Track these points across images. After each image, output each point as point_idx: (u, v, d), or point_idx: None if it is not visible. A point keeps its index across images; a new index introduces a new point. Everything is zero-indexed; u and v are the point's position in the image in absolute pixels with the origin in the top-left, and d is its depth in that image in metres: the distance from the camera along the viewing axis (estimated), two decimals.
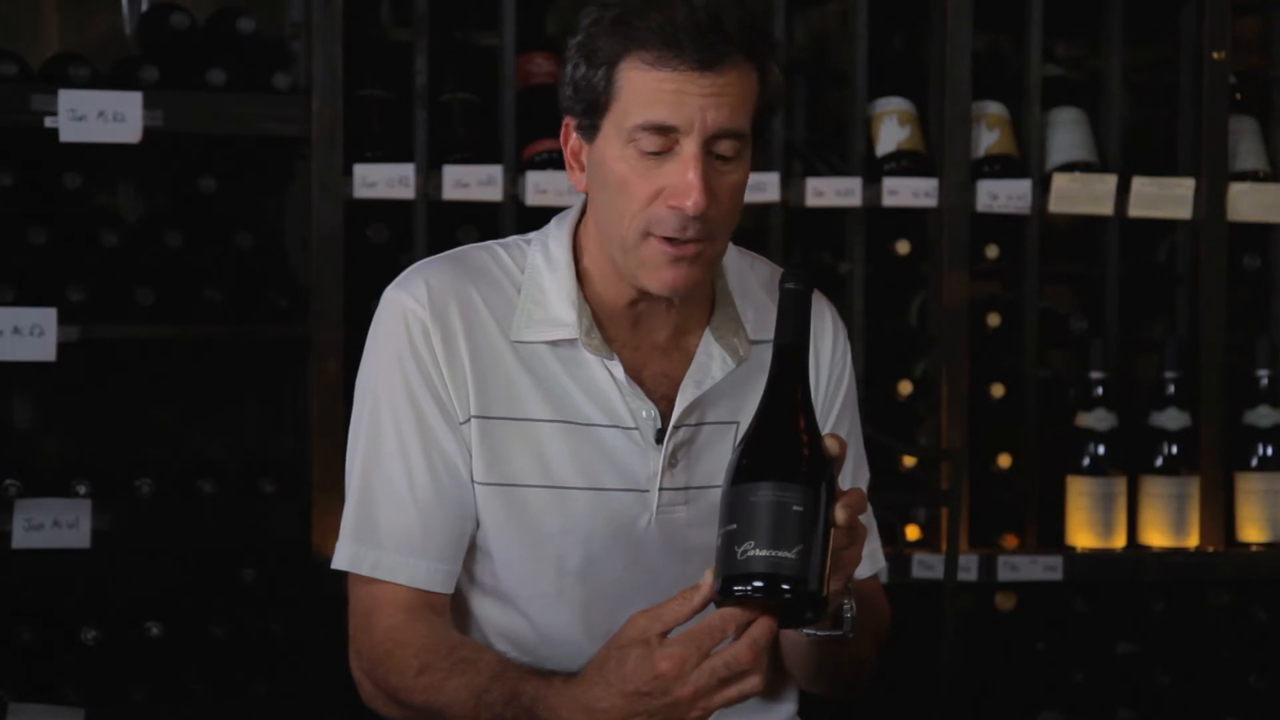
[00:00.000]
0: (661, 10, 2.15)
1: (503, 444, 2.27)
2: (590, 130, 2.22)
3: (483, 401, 2.27)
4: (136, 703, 3.68)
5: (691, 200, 2.15)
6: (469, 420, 2.27)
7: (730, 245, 2.35)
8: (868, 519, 2.41)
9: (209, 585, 3.82)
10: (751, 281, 2.37)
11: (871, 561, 2.42)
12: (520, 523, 2.28)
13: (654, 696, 2.01)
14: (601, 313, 2.30)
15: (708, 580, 2.01)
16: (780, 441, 2.01)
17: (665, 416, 2.29)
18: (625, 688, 2.02)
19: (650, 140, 2.16)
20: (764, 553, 1.95)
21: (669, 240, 2.18)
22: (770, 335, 2.28)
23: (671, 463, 2.30)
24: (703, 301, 2.33)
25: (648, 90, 2.15)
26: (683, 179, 2.16)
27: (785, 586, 1.95)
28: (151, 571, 3.86)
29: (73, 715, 3.36)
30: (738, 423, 2.32)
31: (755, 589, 1.96)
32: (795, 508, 1.96)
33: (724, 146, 2.17)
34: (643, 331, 2.31)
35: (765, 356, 2.29)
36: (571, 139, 2.27)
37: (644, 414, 2.28)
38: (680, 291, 2.22)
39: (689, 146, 2.16)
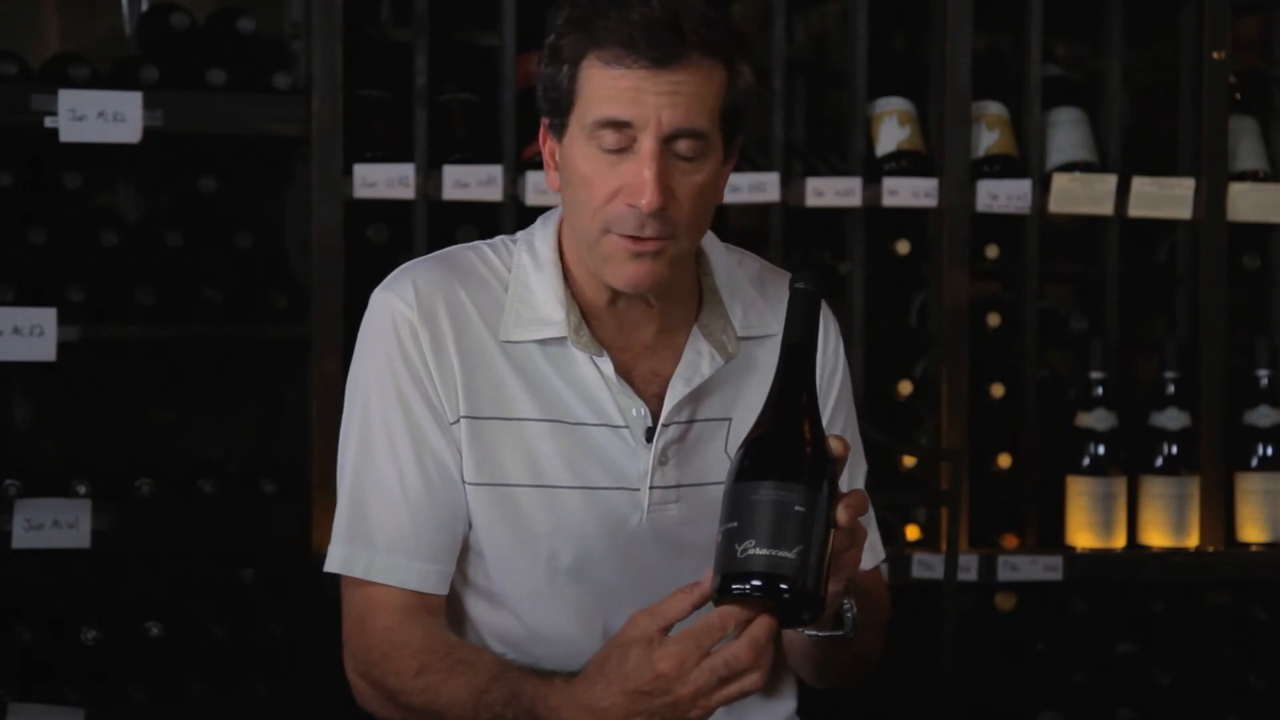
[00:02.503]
0: (620, 9, 2.16)
1: (493, 444, 2.27)
2: (559, 129, 2.23)
3: (472, 402, 2.27)
4: (136, 703, 3.68)
5: (646, 198, 2.15)
6: (459, 421, 2.27)
7: (718, 242, 2.36)
8: (866, 513, 2.41)
9: (209, 585, 3.82)
10: (740, 278, 2.37)
11: (873, 553, 2.42)
12: (511, 523, 2.28)
13: (654, 696, 2.01)
14: (588, 312, 2.30)
15: (709, 577, 2.01)
16: (784, 441, 2.01)
17: (655, 415, 2.29)
18: (626, 686, 2.02)
19: (609, 136, 2.17)
20: (764, 552, 1.95)
21: (628, 236, 2.19)
22: (759, 331, 2.31)
23: (662, 460, 2.30)
24: (690, 299, 2.33)
25: (605, 87, 2.16)
26: (638, 176, 2.16)
27: (784, 586, 1.95)
28: (151, 571, 3.86)
29: (73, 715, 3.36)
30: (729, 420, 2.32)
31: (754, 588, 1.96)
32: (797, 508, 1.96)
33: (683, 146, 2.18)
34: (629, 331, 2.31)
35: (755, 353, 2.31)
36: (548, 139, 2.28)
37: (634, 412, 2.29)
38: (643, 287, 2.22)
39: (645, 143, 2.16)
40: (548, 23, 4.15)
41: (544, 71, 2.23)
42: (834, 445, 2.03)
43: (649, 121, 2.16)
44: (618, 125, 2.16)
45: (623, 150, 2.17)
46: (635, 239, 2.18)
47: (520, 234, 2.38)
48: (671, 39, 2.15)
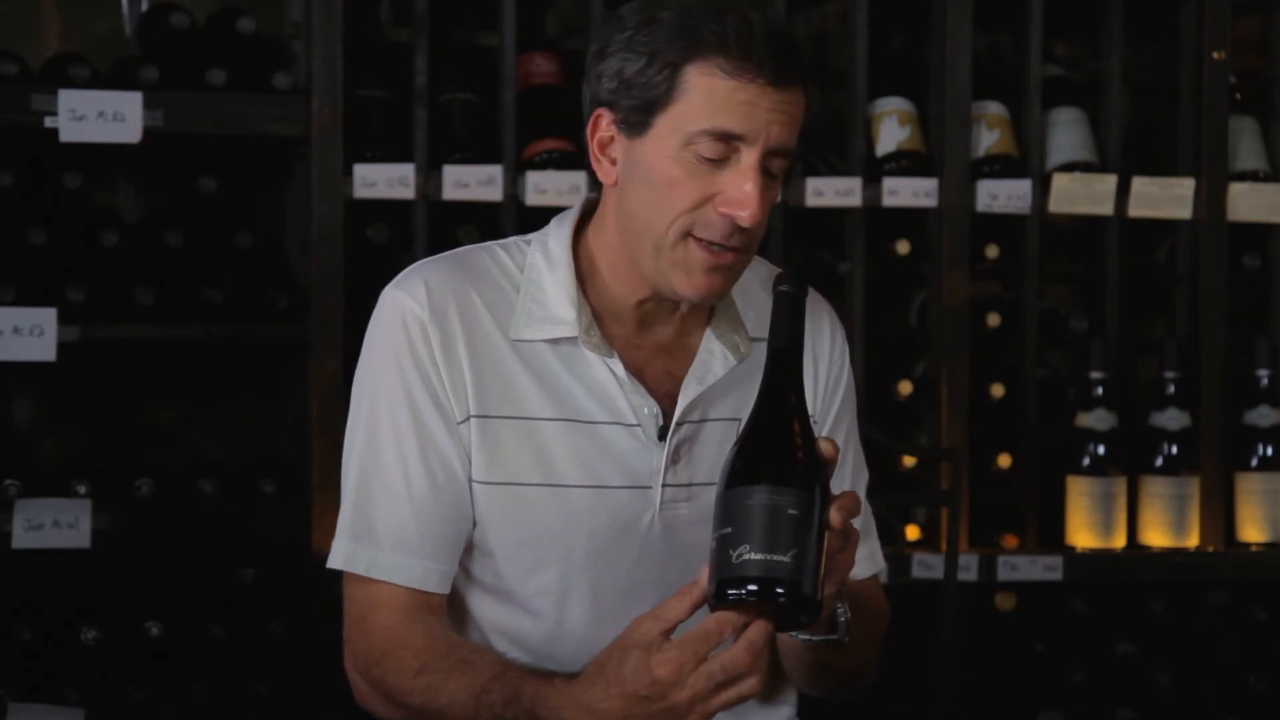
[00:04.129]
0: (739, 16, 2.15)
1: (503, 443, 2.28)
2: (639, 126, 2.21)
3: (482, 401, 2.27)
4: (136, 703, 3.68)
5: (748, 212, 2.16)
6: (467, 420, 2.27)
7: None
8: (865, 520, 2.41)
9: (209, 585, 3.82)
10: (751, 281, 2.38)
11: (871, 562, 2.42)
12: (522, 521, 2.28)
13: (652, 700, 2.01)
14: (605, 312, 2.30)
15: (705, 575, 2.00)
16: (774, 445, 2.01)
17: (668, 414, 2.30)
18: (624, 690, 2.02)
19: (711, 146, 2.17)
20: (758, 556, 1.95)
21: (710, 246, 2.19)
22: None
23: (674, 459, 2.30)
24: None
25: (719, 97, 2.15)
26: (740, 190, 2.16)
27: (780, 590, 1.95)
28: (151, 571, 3.87)
29: (73, 715, 3.36)
30: (740, 420, 2.32)
31: (750, 592, 1.95)
32: (790, 511, 1.96)
33: (776, 164, 2.19)
34: (647, 331, 2.31)
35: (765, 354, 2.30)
36: (601, 131, 2.25)
37: (646, 410, 2.29)
38: (711, 299, 2.24)
39: (749, 157, 2.16)
40: (548, 23, 4.19)
41: (628, 68, 2.19)
42: (824, 447, 2.03)
43: (759, 136, 2.16)
44: (727, 137, 2.16)
45: (719, 160, 2.17)
46: (715, 250, 2.19)
47: (534, 235, 2.37)
48: (789, 59, 2.16)
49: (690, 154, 2.18)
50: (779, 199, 2.27)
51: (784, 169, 2.21)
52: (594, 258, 2.31)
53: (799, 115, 2.19)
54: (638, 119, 2.21)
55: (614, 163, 2.26)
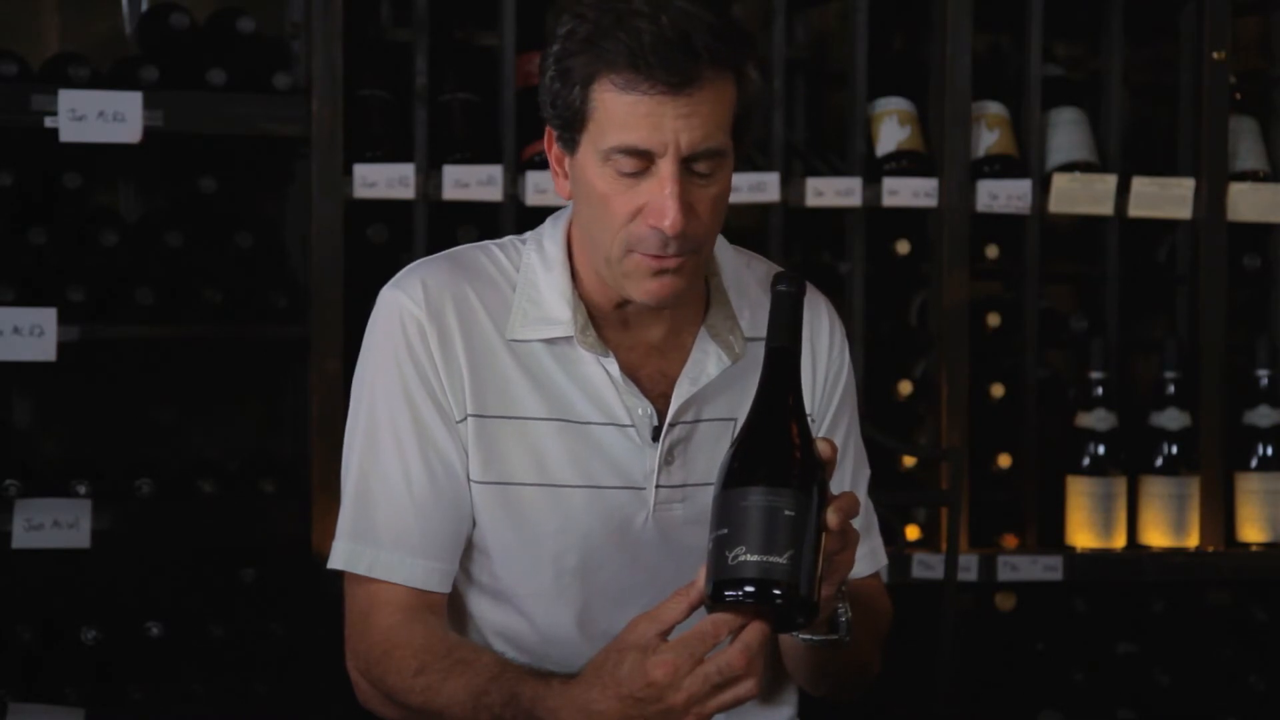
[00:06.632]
0: (629, 30, 2.12)
1: (499, 443, 2.28)
2: (570, 144, 2.22)
3: (479, 400, 2.27)
4: (136, 703, 3.68)
5: (669, 220, 2.15)
6: (465, 419, 2.27)
7: (726, 244, 2.36)
8: (867, 516, 2.41)
9: (209, 585, 3.82)
10: (748, 279, 2.37)
11: (873, 559, 2.42)
12: (517, 521, 2.28)
13: (648, 703, 2.00)
14: (595, 312, 2.30)
15: (703, 576, 2.00)
16: (772, 445, 2.00)
17: (662, 414, 2.29)
18: (620, 692, 2.02)
19: (626, 162, 2.16)
20: (755, 558, 1.94)
21: (651, 255, 2.18)
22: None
23: (668, 460, 2.30)
24: (697, 300, 2.33)
25: (620, 114, 2.14)
26: (659, 198, 2.15)
27: (776, 591, 1.94)
28: (151, 571, 3.87)
29: (73, 715, 3.36)
30: (735, 420, 2.32)
31: (746, 594, 1.95)
32: (787, 512, 1.95)
33: (701, 165, 2.17)
34: (636, 331, 2.31)
35: (761, 354, 2.30)
36: (554, 147, 2.26)
37: (640, 411, 2.28)
38: (665, 302, 2.23)
39: (665, 168, 2.15)
40: (548, 23, 4.19)
41: (551, 86, 2.20)
42: (822, 448, 2.03)
43: (668, 147, 2.14)
44: (635, 152, 2.15)
45: (640, 172, 2.16)
46: (658, 257, 2.18)
47: (529, 234, 2.37)
48: (685, 60, 2.12)
49: (611, 170, 2.17)
50: (728, 189, 2.22)
51: (718, 166, 2.18)
52: (579, 260, 2.32)
53: (717, 110, 2.15)
54: (568, 137, 2.21)
55: (567, 176, 2.26)
